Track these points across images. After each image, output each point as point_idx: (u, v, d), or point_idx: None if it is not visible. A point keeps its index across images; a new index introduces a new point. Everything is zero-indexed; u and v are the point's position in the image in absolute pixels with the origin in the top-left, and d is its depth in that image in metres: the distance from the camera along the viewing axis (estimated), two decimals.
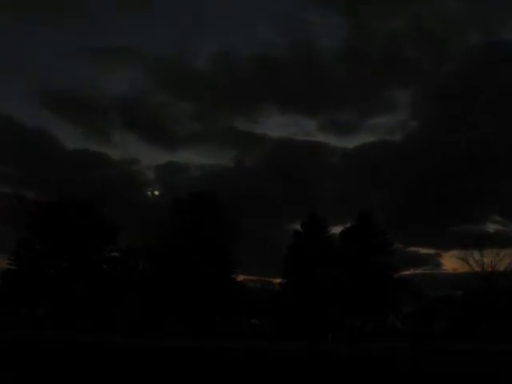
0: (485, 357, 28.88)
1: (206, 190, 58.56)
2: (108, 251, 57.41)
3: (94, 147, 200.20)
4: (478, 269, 58.39)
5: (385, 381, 16.61)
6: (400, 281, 58.89)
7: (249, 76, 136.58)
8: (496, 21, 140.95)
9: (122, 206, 76.75)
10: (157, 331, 47.96)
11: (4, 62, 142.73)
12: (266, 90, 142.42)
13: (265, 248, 77.15)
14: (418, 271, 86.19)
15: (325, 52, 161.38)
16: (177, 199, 58.12)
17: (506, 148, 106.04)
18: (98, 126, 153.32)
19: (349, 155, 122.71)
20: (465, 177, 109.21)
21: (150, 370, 17.16)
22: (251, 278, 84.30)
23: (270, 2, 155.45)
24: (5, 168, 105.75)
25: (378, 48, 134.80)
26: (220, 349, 30.76)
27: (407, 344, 41.69)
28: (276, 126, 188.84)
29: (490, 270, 57.97)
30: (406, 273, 66.85)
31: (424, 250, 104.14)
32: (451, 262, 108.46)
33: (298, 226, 61.67)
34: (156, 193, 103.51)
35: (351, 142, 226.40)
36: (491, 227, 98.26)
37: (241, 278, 60.82)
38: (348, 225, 61.51)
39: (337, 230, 62.94)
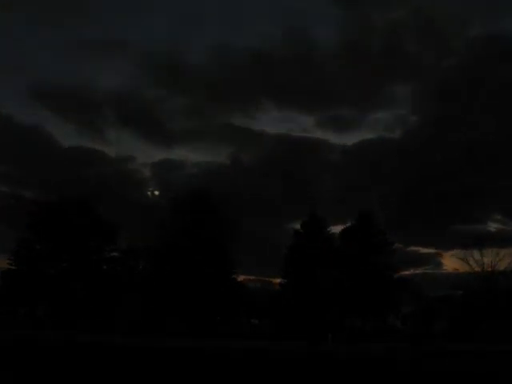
0: (485, 357, 28.87)
1: (205, 190, 58.47)
2: (108, 251, 57.42)
3: (89, 144, 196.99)
4: (477, 269, 58.47)
5: (385, 381, 16.61)
6: (400, 281, 58.90)
7: (246, 70, 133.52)
8: (497, 14, 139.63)
9: (119, 204, 76.52)
10: (157, 331, 47.94)
11: None
12: (264, 85, 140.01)
13: (264, 247, 77.06)
14: (418, 271, 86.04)
15: (323, 46, 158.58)
16: (176, 199, 58.11)
17: (508, 145, 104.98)
18: (92, 123, 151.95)
19: (348, 152, 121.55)
20: (466, 175, 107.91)
21: (150, 370, 17.15)
22: (251, 277, 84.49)
23: None
24: (1, 167, 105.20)
25: (378, 42, 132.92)
26: (220, 349, 30.75)
27: (407, 344, 41.69)
28: (273, 121, 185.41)
29: (489, 269, 58.00)
30: (406, 273, 66.93)
31: (424, 250, 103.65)
32: (452, 262, 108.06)
33: (297, 226, 61.72)
34: (156, 193, 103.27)
35: (350, 139, 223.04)
36: (492, 226, 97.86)
37: (241, 278, 60.84)
38: (348, 224, 61.62)
39: (336, 228, 63.01)
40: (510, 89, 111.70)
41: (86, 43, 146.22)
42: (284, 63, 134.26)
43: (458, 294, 64.39)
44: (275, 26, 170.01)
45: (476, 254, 58.22)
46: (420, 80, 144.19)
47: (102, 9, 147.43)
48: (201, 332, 48.51)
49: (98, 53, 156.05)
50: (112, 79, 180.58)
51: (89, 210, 56.13)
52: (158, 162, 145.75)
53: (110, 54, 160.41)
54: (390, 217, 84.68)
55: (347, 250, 57.61)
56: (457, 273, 64.17)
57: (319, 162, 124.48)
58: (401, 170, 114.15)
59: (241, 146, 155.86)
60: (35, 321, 50.70)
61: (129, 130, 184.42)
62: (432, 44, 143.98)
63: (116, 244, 57.72)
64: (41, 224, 53.56)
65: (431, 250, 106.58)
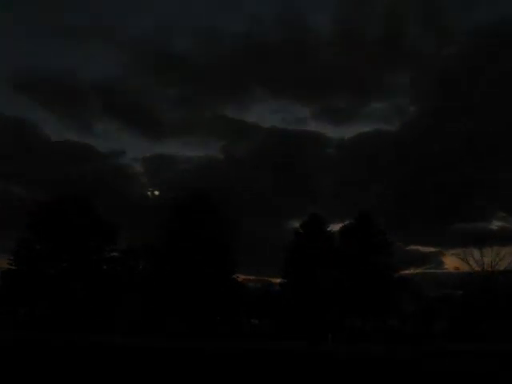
0: (485, 357, 28.87)
1: (205, 190, 58.47)
2: (108, 251, 57.34)
3: (75, 136, 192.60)
4: (478, 268, 58.42)
5: (385, 381, 16.61)
6: (400, 281, 58.85)
7: (238, 60, 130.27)
8: (498, 1, 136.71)
9: (115, 202, 76.42)
10: (157, 331, 47.98)
11: None
12: (256, 75, 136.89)
13: (262, 246, 77.11)
14: (418, 270, 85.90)
15: (318, 32, 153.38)
16: (176, 198, 58.12)
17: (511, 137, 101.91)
18: (79, 114, 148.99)
19: (343, 147, 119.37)
20: (468, 168, 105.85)
21: (150, 370, 17.15)
22: (251, 277, 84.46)
23: None
24: None
25: (376, 29, 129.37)
26: (220, 349, 30.76)
27: (407, 344, 41.70)
28: (267, 112, 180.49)
29: (490, 269, 57.95)
30: (407, 272, 66.89)
31: (425, 249, 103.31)
32: (452, 261, 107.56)
33: (295, 223, 61.86)
34: (156, 193, 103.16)
35: (347, 130, 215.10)
36: (495, 224, 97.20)
37: (241, 278, 60.70)
38: (346, 222, 61.52)
39: (335, 226, 62.60)
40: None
41: (72, 30, 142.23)
42: (276, 52, 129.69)
43: (458, 294, 64.40)
44: (268, 12, 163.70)
45: (476, 253, 58.25)
46: (419, 68, 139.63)
47: (96, 2, 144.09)
48: (201, 332, 48.53)
49: (85, 40, 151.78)
50: (99, 68, 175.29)
51: (89, 209, 56.11)
52: (150, 157, 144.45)
53: (96, 42, 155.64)
54: (389, 215, 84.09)
55: (347, 250, 57.55)
56: (457, 272, 64.20)
57: (315, 156, 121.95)
58: (400, 165, 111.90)
59: (234, 139, 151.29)
60: (35, 321, 50.69)
61: (117, 122, 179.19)
62: (432, 32, 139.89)
63: (116, 244, 57.71)
64: (41, 224, 53.51)
65: (432, 249, 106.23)
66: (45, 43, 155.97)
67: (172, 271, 53.39)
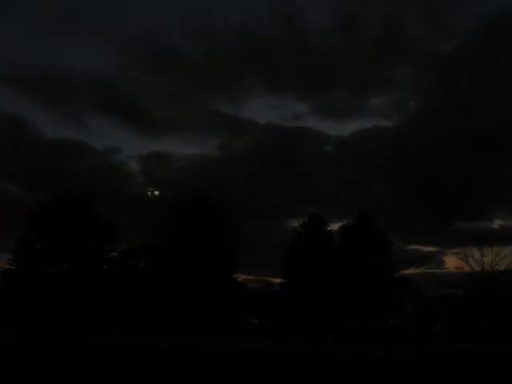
0: (485, 357, 28.88)
1: (205, 190, 58.48)
2: (108, 251, 57.33)
3: (68, 133, 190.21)
4: (478, 268, 58.42)
5: (385, 381, 16.61)
6: (400, 281, 58.85)
7: (235, 56, 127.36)
8: None
9: (110, 198, 76.07)
10: (157, 331, 47.98)
11: None
12: (252, 69, 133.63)
13: (262, 246, 76.94)
14: (418, 270, 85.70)
15: (316, 26, 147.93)
16: (177, 198, 58.14)
17: None
18: (71, 110, 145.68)
19: (343, 143, 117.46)
20: (469, 165, 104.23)
21: (150, 370, 17.15)
22: (251, 277, 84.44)
23: None
24: None
25: (376, 23, 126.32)
26: (220, 349, 30.76)
27: (407, 344, 41.70)
28: (263, 108, 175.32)
29: (490, 269, 57.95)
30: (407, 272, 66.83)
31: (425, 248, 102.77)
32: (453, 261, 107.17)
33: (293, 223, 61.68)
34: (156, 193, 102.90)
35: (346, 127, 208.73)
36: (496, 223, 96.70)
37: (241, 278, 60.69)
38: (346, 221, 61.47)
39: (334, 225, 62.35)
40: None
41: (59, 22, 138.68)
42: (273, 45, 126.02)
43: (458, 294, 64.38)
44: (264, 4, 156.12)
45: (476, 253, 58.25)
46: (420, 62, 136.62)
47: None
48: (201, 332, 48.52)
49: (84, 37, 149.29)
50: (94, 64, 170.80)
51: (89, 209, 56.10)
52: (146, 155, 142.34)
53: (95, 39, 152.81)
54: (389, 214, 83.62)
55: (347, 250, 57.53)
56: (457, 272, 64.15)
57: (313, 153, 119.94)
58: (400, 163, 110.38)
59: (230, 136, 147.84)
60: (35, 321, 50.67)
61: (110, 118, 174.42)
62: (433, 26, 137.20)
63: (116, 244, 57.70)
64: (41, 224, 53.50)
65: (432, 249, 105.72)
66: (41, 40, 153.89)
67: (172, 271, 53.41)
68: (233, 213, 57.39)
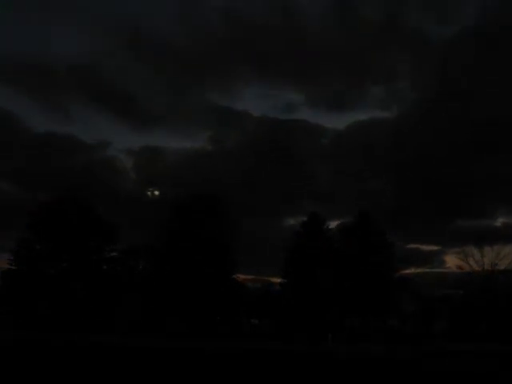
0: (485, 357, 28.87)
1: (205, 190, 58.49)
2: (108, 251, 57.35)
3: (56, 126, 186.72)
4: (478, 268, 58.39)
5: (385, 381, 16.60)
6: (400, 281, 58.86)
7: (226, 42, 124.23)
8: None
9: (107, 198, 75.70)
10: (157, 331, 47.97)
11: None
12: (246, 59, 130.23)
13: (262, 246, 76.90)
14: (418, 270, 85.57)
15: (314, 16, 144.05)
16: (177, 198, 58.14)
17: None
18: (59, 101, 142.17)
19: (339, 136, 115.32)
20: (471, 160, 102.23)
21: (150, 370, 17.15)
22: (251, 277, 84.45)
23: None
24: None
25: (375, 9, 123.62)
26: (220, 349, 30.75)
27: (407, 344, 41.69)
28: (257, 99, 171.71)
29: (490, 269, 57.93)
30: (407, 272, 66.83)
31: (425, 247, 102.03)
32: (453, 260, 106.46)
33: (290, 220, 61.59)
34: (156, 193, 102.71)
35: (343, 118, 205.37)
36: (499, 221, 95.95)
37: (241, 278, 60.74)
38: (345, 219, 61.49)
39: (332, 222, 62.19)
40: None
41: (58, 17, 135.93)
42: (268, 33, 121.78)
43: (458, 294, 64.35)
44: None
45: (476, 253, 58.22)
46: (421, 51, 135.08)
47: None
48: (201, 332, 48.51)
49: (73, 28, 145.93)
50: (83, 55, 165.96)
51: (89, 209, 56.11)
52: (139, 150, 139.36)
53: (84, 30, 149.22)
54: (388, 211, 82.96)
55: (347, 250, 57.53)
56: (457, 272, 64.13)
57: (309, 146, 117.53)
58: (399, 158, 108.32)
59: (223, 129, 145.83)
60: (35, 321, 50.68)
61: (97, 109, 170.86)
62: (434, 11, 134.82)
63: (116, 244, 57.71)
64: (41, 224, 53.52)
65: (432, 247, 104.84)
66: (28, 30, 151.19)
67: (172, 271, 53.36)
68: (231, 211, 57.42)
